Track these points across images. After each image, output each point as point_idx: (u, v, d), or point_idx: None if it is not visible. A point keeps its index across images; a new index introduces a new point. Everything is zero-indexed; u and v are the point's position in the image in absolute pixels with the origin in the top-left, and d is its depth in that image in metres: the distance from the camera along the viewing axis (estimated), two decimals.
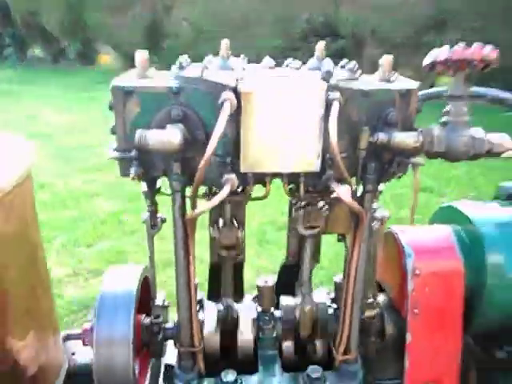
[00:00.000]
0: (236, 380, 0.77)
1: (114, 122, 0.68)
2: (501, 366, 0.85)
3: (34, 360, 0.93)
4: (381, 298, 0.92)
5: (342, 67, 0.73)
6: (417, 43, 9.15)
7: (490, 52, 0.63)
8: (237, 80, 0.64)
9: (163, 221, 0.83)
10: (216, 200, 0.64)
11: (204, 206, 0.66)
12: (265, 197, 0.72)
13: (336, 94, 0.63)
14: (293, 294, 0.90)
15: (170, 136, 0.62)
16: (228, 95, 0.61)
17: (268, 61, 0.75)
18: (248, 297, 0.92)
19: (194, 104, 0.66)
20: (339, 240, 0.87)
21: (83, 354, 1.10)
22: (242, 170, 0.66)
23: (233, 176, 0.65)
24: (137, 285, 0.80)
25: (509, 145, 0.68)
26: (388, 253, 0.86)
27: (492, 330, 0.84)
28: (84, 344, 0.85)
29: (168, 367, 0.84)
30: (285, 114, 0.64)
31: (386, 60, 0.72)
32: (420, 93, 0.82)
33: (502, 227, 0.83)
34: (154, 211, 0.81)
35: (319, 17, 9.78)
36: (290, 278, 0.90)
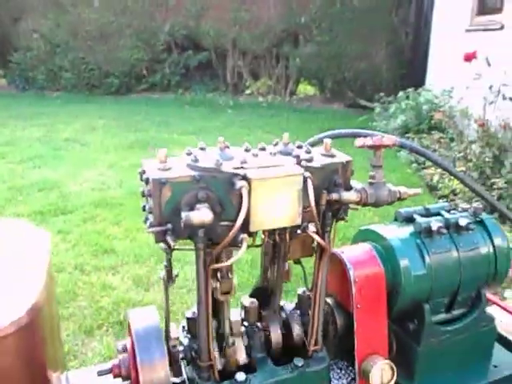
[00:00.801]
0: (246, 378, 1.05)
1: (151, 204, 0.92)
2: (413, 335, 1.25)
3: None
4: (329, 300, 1.28)
5: (299, 147, 1.06)
6: (275, 54, 9.97)
7: (395, 138, 1.02)
8: (242, 168, 0.93)
9: (176, 275, 1.07)
10: (239, 254, 0.92)
11: (230, 260, 0.94)
12: (259, 245, 1.03)
13: (308, 173, 0.96)
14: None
15: (206, 215, 0.89)
16: (243, 183, 0.90)
17: (247, 146, 1.05)
18: (235, 313, 1.20)
19: (212, 187, 0.93)
20: (295, 263, 1.21)
21: None
22: (251, 229, 0.95)
23: (245, 235, 0.94)
24: (159, 320, 1.04)
25: (410, 192, 1.07)
26: (330, 268, 1.20)
27: (405, 311, 1.24)
28: (115, 376, 1.05)
29: (189, 380, 1.08)
30: (277, 190, 0.95)
31: (327, 142, 1.07)
32: (332, 132, 1.20)
33: (405, 240, 1.23)
34: (170, 269, 1.05)
35: (181, 29, 10.10)
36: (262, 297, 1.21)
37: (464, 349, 1.31)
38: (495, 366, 1.35)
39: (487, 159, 5.57)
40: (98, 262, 4.17)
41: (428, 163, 6.06)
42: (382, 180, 1.04)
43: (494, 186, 5.12)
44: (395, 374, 1.17)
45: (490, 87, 5.91)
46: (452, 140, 6.33)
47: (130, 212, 5.03)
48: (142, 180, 0.96)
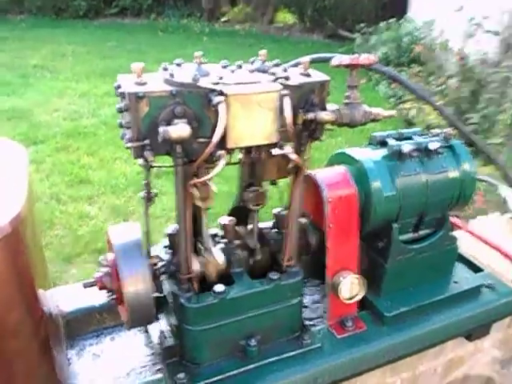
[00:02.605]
0: (224, 290, 1.11)
1: (127, 119, 0.92)
2: (381, 252, 1.33)
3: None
4: (303, 220, 1.32)
5: (277, 66, 1.05)
6: None
7: (373, 58, 1.02)
8: (219, 84, 0.92)
9: (156, 195, 1.09)
10: (217, 170, 0.93)
11: (208, 176, 0.95)
12: (236, 163, 1.05)
13: (285, 91, 0.96)
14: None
15: (184, 129, 0.90)
16: (220, 99, 0.90)
17: (224, 62, 1.04)
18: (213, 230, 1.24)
19: (189, 103, 0.93)
20: (271, 184, 1.24)
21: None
22: (229, 146, 0.96)
23: (223, 152, 0.95)
24: (140, 234, 1.07)
25: (384, 113, 1.09)
26: (305, 189, 1.23)
27: (375, 230, 1.30)
28: (100, 288, 1.09)
29: (171, 292, 1.13)
30: (255, 106, 0.95)
31: (305, 61, 1.06)
32: (313, 56, 1.20)
33: (377, 163, 1.26)
34: (149, 189, 1.06)
35: None
36: (239, 216, 1.25)
37: (428, 266, 1.40)
38: (456, 282, 1.45)
39: (464, 94, 5.61)
40: (74, 192, 4.17)
41: (406, 97, 6.08)
42: (357, 100, 1.05)
43: (469, 121, 5.21)
44: (364, 287, 1.25)
45: (471, 19, 5.83)
46: (431, 74, 6.32)
47: (105, 142, 4.96)
48: (117, 95, 0.94)
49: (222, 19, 10.24)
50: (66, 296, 1.34)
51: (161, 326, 1.24)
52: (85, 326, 1.29)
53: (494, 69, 5.43)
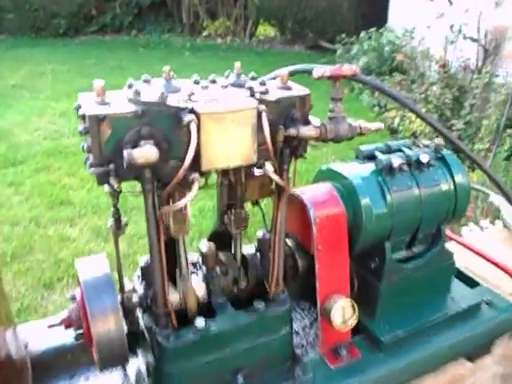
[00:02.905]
0: (206, 323, 1.01)
1: (89, 143, 0.83)
2: (374, 273, 1.24)
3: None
4: (290, 242, 1.24)
5: (253, 79, 0.97)
6: None
7: (354, 69, 0.94)
8: (190, 101, 0.84)
9: (126, 224, 0.99)
10: (189, 196, 0.84)
11: (180, 202, 0.86)
12: (212, 186, 0.96)
13: (262, 107, 0.88)
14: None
15: (150, 152, 0.81)
16: (191, 117, 0.81)
17: (196, 78, 0.95)
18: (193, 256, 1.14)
19: (157, 123, 0.84)
20: (253, 205, 1.15)
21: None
22: (203, 168, 0.87)
23: (197, 175, 0.86)
24: (108, 267, 0.97)
25: (371, 127, 1.01)
26: (291, 209, 1.15)
27: (366, 250, 1.22)
28: (67, 327, 0.99)
29: (146, 329, 1.03)
30: (230, 125, 0.86)
31: (283, 72, 0.98)
32: (290, 68, 1.12)
33: (365, 179, 1.19)
34: (118, 217, 0.97)
35: None
36: (219, 241, 1.16)
37: (424, 284, 1.32)
38: (453, 300, 1.37)
39: (447, 100, 5.62)
40: (55, 214, 4.04)
41: (390, 106, 6.07)
42: (341, 114, 0.97)
43: (453, 128, 5.19)
44: (356, 311, 1.16)
45: (451, 26, 5.86)
46: (413, 82, 6.32)
47: None
48: (78, 117, 0.85)
49: (203, 33, 10.21)
50: (35, 333, 1.23)
51: (139, 363, 1.14)
52: (55, 367, 1.18)
53: (476, 75, 5.45)
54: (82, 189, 4.31)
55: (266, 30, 10.83)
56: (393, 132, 5.79)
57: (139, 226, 3.44)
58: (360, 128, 1.00)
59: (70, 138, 5.34)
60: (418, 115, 1.49)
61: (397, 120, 5.81)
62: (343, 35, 7.83)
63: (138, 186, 0.92)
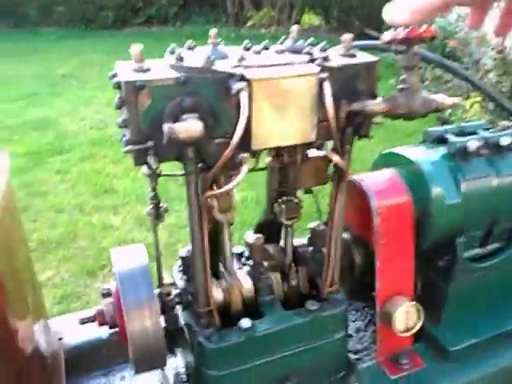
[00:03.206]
0: (252, 325, 0.90)
1: (126, 116, 0.72)
2: (442, 273, 1.09)
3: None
4: (345, 235, 1.10)
5: (312, 45, 0.84)
6: None
7: (433, 30, 0.79)
8: (240, 67, 0.72)
9: (166, 210, 0.89)
10: (239, 178, 0.73)
11: (227, 186, 0.75)
12: (264, 168, 0.84)
13: (325, 74, 0.75)
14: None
15: (194, 126, 0.69)
16: (241, 85, 0.69)
17: (246, 44, 0.83)
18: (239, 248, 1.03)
19: (202, 92, 0.73)
20: (306, 193, 1.02)
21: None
22: (253, 147, 0.75)
23: (247, 155, 0.74)
24: (146, 258, 0.87)
25: (448, 102, 0.86)
26: (349, 198, 1.02)
27: (434, 246, 1.07)
28: (100, 325, 0.91)
29: (186, 326, 0.93)
30: (286, 96, 0.74)
31: (348, 37, 0.84)
32: (357, 43, 0.97)
33: (436, 164, 1.03)
34: (157, 202, 0.87)
35: None
36: (268, 232, 1.04)
37: (498, 288, 1.16)
38: None
39: (504, 89, 5.26)
40: (99, 202, 4.06)
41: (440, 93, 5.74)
42: (415, 85, 0.82)
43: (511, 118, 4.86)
44: (422, 317, 1.02)
45: None
46: (467, 69, 5.96)
47: None
48: (113, 87, 0.75)
49: (248, 24, 10.08)
50: (71, 326, 1.16)
51: (177, 364, 1.04)
52: (89, 362, 1.11)
53: None
54: (126, 177, 4.31)
55: (310, 19, 10.54)
56: (443, 123, 5.48)
57: (181, 215, 3.38)
58: (435, 102, 0.84)
59: (115, 127, 5.38)
60: (493, 98, 1.32)
61: (448, 109, 5.49)
62: None
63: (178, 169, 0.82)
